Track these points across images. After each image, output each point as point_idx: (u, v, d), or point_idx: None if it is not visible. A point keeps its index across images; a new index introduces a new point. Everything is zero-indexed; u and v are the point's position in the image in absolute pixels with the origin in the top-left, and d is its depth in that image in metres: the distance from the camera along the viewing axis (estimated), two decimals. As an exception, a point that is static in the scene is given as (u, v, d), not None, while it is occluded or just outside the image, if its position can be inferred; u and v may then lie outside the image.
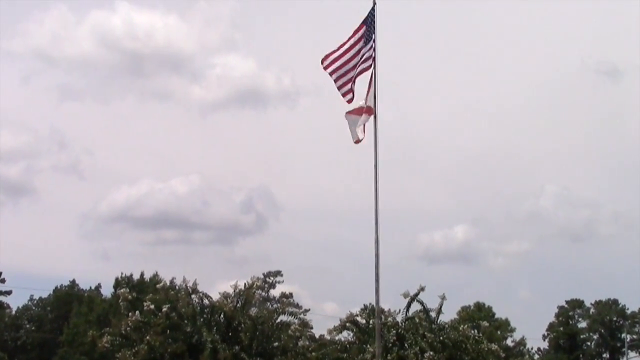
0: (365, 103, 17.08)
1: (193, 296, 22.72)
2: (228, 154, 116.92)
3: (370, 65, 17.14)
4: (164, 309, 21.77)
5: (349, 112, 17.19)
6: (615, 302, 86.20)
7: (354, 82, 17.09)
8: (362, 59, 17.05)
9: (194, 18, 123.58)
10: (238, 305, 22.64)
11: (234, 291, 22.87)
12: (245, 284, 23.31)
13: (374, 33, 17.28)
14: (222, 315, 22.48)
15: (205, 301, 22.84)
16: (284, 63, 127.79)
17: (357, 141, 16.97)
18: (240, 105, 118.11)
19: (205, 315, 22.54)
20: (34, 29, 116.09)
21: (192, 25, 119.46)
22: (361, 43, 17.11)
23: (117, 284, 62.38)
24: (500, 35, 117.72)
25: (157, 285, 24.07)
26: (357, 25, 17.32)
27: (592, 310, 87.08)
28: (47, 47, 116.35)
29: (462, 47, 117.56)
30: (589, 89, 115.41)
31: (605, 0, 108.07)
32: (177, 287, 23.30)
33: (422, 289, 22.72)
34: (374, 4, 17.42)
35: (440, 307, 23.24)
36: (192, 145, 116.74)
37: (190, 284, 22.67)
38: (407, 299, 22.71)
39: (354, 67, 17.02)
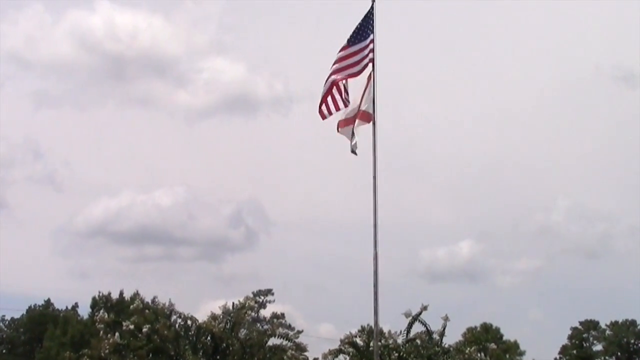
0: (359, 108, 17.13)
1: (175, 317, 22.73)
2: (216, 164, 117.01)
3: (364, 68, 17.22)
4: (144, 330, 21.79)
5: (341, 124, 17.26)
6: (633, 323, 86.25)
7: (333, 92, 17.22)
8: (349, 65, 17.17)
9: (180, 19, 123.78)
10: (227, 326, 22.65)
11: (223, 312, 22.89)
12: (233, 304, 23.31)
13: (373, 33, 17.37)
14: (209, 338, 22.50)
15: (190, 322, 22.83)
16: (276, 67, 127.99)
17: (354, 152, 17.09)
18: (229, 112, 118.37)
19: (190, 338, 22.55)
20: (7, 29, 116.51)
21: (178, 27, 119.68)
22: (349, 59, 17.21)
23: (95, 303, 62.27)
24: (508, 37, 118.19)
25: (131, 307, 24.00)
26: (351, 29, 17.44)
27: (607, 331, 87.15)
28: (22, 50, 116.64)
29: (468, 50, 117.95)
30: (604, 95, 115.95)
31: (621, 1, 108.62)
32: (157, 307, 23.23)
33: (425, 308, 22.74)
34: (373, 2, 17.51)
35: (444, 328, 23.24)
36: (177, 154, 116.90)
37: (167, 304, 22.70)
38: (409, 319, 22.72)
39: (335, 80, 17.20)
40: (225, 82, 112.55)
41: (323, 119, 17.34)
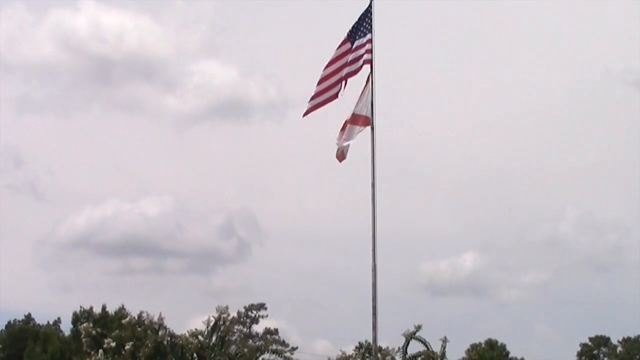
0: (356, 111, 17.15)
1: (162, 332, 22.71)
2: (206, 172, 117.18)
3: (360, 68, 17.28)
4: (127, 347, 21.77)
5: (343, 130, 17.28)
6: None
7: (341, 85, 17.31)
8: (348, 63, 17.24)
9: (170, 19, 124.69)
10: (212, 342, 22.62)
11: (207, 327, 22.88)
12: (219, 317, 23.27)
13: (371, 33, 17.42)
14: (194, 355, 22.49)
15: (174, 339, 22.84)
16: (270, 70, 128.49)
17: (342, 158, 17.14)
18: (220, 117, 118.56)
19: (176, 354, 22.55)
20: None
21: (167, 27, 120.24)
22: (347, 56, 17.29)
23: (77, 318, 62.23)
24: (514, 39, 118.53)
25: (123, 321, 24.01)
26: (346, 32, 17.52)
27: (619, 348, 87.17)
28: (2, 52, 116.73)
29: (471, 51, 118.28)
30: (615, 100, 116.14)
31: (633, 2, 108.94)
32: (145, 322, 23.19)
33: (419, 327, 22.62)
34: (371, 1, 17.55)
35: (444, 349, 23.14)
36: (166, 161, 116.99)
37: (155, 319, 22.65)
38: (407, 338, 22.65)
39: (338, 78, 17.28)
40: (216, 86, 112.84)
41: (307, 114, 17.44)
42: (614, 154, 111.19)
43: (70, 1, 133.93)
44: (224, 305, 22.78)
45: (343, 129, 17.22)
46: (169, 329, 22.77)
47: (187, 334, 22.60)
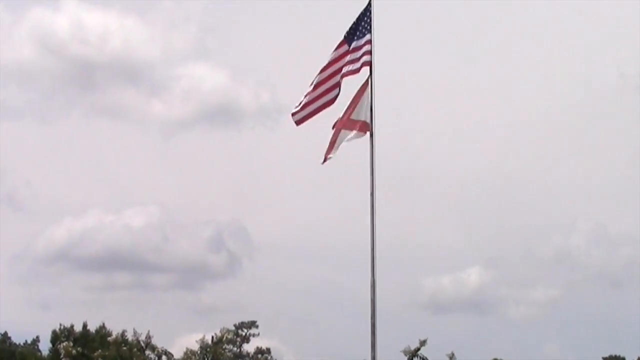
0: (349, 116, 17.17)
1: (148, 352, 22.72)
2: (194, 181, 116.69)
3: (359, 69, 17.31)
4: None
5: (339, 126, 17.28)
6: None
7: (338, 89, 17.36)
8: (345, 64, 17.29)
9: (157, 19, 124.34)
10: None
11: (201, 346, 22.88)
12: (212, 337, 23.28)
13: (370, 33, 17.44)
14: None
15: (164, 357, 22.84)
16: (262, 75, 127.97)
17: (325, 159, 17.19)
18: (209, 124, 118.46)
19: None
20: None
21: (154, 28, 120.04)
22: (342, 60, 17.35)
23: (56, 337, 62.26)
24: (523, 42, 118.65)
25: (109, 338, 24.08)
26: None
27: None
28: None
29: (476, 53, 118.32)
30: (629, 107, 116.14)
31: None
32: (129, 341, 23.21)
33: (424, 343, 22.68)
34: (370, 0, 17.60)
35: (450, 365, 23.17)
36: (151, 170, 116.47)
37: (142, 337, 22.66)
38: (407, 356, 22.69)
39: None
40: (206, 91, 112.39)
41: (301, 122, 17.48)
42: (628, 163, 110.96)
43: (51, 0, 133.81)
44: (225, 328, 22.93)
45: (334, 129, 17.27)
46: (160, 348, 22.78)
47: (186, 354, 22.66)
